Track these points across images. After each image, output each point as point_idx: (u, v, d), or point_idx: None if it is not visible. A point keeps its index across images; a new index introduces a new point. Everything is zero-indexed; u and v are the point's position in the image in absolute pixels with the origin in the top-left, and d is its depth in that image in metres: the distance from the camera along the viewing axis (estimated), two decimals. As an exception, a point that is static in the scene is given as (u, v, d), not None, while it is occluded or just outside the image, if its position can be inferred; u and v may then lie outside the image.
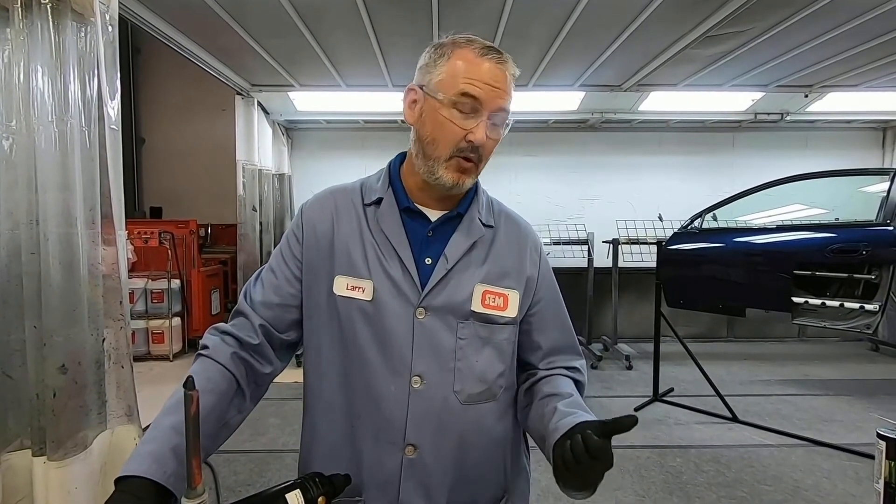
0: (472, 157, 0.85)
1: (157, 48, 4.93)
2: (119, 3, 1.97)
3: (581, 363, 0.99)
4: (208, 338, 0.88)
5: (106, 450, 1.80)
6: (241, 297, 0.93)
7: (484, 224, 0.93)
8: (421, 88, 0.87)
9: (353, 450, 0.87)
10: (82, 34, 1.76)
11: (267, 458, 2.93)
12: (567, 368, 0.96)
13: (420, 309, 0.86)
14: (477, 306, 0.88)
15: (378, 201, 0.92)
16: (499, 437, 0.92)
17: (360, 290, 0.87)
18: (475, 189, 0.96)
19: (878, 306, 3.03)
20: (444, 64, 0.84)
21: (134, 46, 6.05)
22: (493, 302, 0.89)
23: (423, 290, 0.86)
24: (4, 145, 1.68)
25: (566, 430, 0.76)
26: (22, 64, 1.67)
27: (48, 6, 1.65)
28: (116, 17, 1.91)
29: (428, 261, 0.88)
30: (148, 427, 0.76)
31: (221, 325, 0.90)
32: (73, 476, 1.67)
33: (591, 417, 0.79)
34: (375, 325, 0.86)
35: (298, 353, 0.98)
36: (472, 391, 0.88)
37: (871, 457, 1.15)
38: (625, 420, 0.68)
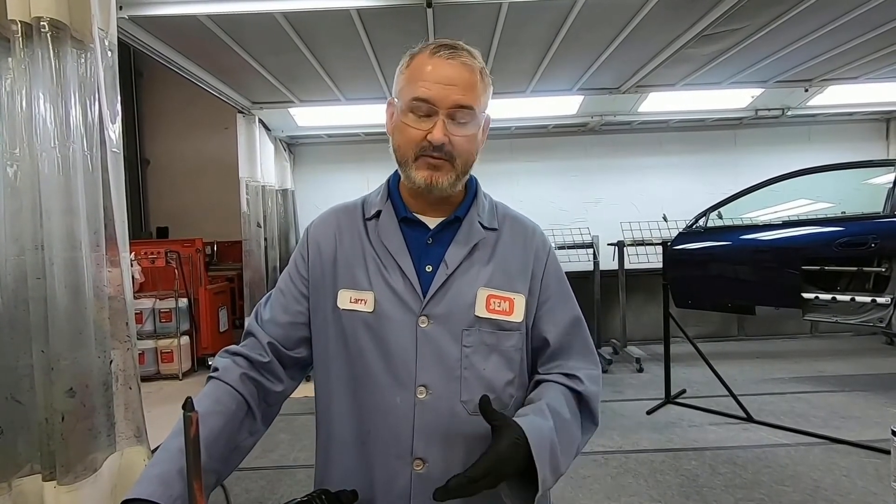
0: (437, 156, 0.84)
1: (159, 71, 4.99)
2: (118, 27, 2.00)
3: (589, 372, 0.92)
4: (218, 360, 0.89)
5: (115, 472, 1.80)
6: (251, 318, 0.95)
7: (486, 227, 0.92)
8: (394, 99, 0.90)
9: (364, 466, 0.86)
10: (82, 60, 1.79)
11: (278, 474, 2.92)
12: (566, 375, 0.90)
13: (423, 317, 0.85)
14: (482, 311, 0.87)
15: (377, 214, 0.93)
16: None
17: (363, 302, 0.87)
18: (474, 193, 0.95)
19: (889, 299, 2.99)
20: (404, 71, 0.88)
21: (136, 70, 6.13)
22: (499, 306, 0.88)
23: (424, 297, 0.86)
24: (9, 172, 1.70)
25: None
26: (24, 92, 1.70)
27: (48, 34, 1.68)
28: (115, 43, 1.93)
29: (428, 268, 0.88)
30: (157, 448, 0.76)
31: (232, 346, 0.91)
32: (84, 500, 1.67)
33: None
34: (378, 336, 0.86)
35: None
36: None
37: (889, 453, 1.13)
38: (481, 403, 0.78)
